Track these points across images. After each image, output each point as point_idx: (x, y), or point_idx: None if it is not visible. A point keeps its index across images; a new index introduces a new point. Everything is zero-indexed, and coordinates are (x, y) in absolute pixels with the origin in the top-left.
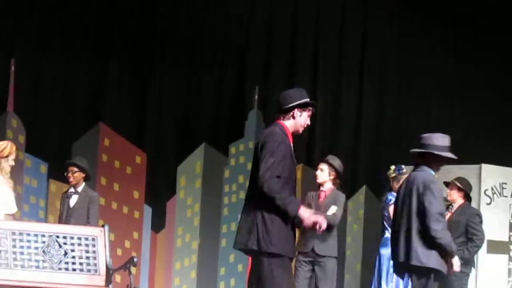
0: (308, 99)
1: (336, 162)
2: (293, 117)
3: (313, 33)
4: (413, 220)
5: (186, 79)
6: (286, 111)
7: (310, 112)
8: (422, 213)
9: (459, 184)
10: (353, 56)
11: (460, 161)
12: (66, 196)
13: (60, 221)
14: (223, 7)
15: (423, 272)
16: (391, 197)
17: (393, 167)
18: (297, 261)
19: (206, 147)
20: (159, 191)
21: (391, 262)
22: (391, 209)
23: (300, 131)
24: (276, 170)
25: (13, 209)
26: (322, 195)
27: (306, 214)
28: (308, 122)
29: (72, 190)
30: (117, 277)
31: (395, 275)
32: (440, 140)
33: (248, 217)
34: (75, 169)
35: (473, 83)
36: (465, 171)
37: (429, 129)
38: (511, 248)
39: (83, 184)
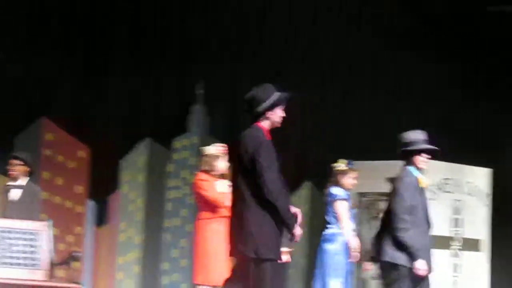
0: (276, 97)
1: None
2: (267, 118)
3: (259, 26)
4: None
5: (130, 73)
6: (259, 115)
7: (282, 106)
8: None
9: None
10: (299, 48)
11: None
12: (5, 190)
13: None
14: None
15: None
16: (337, 192)
17: (343, 161)
18: None
19: (149, 141)
20: (102, 186)
21: (337, 257)
22: (338, 204)
23: (278, 125)
24: (279, 182)
25: None
26: None
27: (298, 232)
28: (283, 114)
29: (11, 183)
30: (60, 272)
31: (342, 271)
32: (410, 136)
33: (244, 224)
34: (17, 162)
35: (438, 81)
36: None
37: (370, 125)
38: (453, 243)
39: (27, 178)
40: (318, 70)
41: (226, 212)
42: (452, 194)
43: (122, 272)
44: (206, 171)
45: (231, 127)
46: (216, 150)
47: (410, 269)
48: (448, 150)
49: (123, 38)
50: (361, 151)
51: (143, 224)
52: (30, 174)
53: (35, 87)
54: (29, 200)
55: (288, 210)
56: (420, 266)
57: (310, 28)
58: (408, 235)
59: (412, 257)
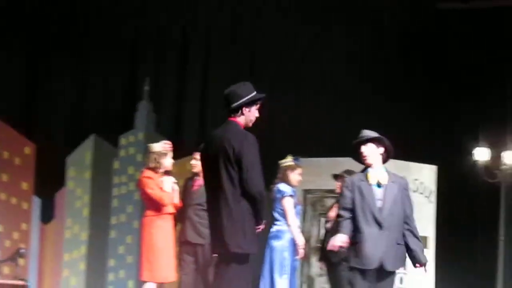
0: (254, 95)
1: None
2: (243, 114)
3: (203, 27)
4: None
5: (77, 70)
6: (235, 110)
7: (258, 106)
8: None
9: (347, 176)
10: (245, 46)
11: (346, 153)
12: None
13: None
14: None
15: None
16: (285, 188)
17: (289, 157)
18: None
19: (95, 138)
20: (48, 182)
21: (284, 253)
22: (285, 201)
23: (250, 125)
24: (262, 177)
25: None
26: (197, 183)
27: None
28: (257, 114)
29: None
30: (5, 269)
31: (288, 268)
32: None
33: (226, 219)
34: None
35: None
36: (353, 163)
37: (316, 123)
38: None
39: None
40: (265, 70)
41: (172, 209)
42: None
43: (68, 269)
44: (152, 168)
45: (177, 124)
46: (163, 147)
47: (351, 267)
48: (394, 148)
49: (68, 37)
50: (306, 149)
51: (89, 220)
52: None
53: None
54: None
55: (265, 206)
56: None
57: (258, 26)
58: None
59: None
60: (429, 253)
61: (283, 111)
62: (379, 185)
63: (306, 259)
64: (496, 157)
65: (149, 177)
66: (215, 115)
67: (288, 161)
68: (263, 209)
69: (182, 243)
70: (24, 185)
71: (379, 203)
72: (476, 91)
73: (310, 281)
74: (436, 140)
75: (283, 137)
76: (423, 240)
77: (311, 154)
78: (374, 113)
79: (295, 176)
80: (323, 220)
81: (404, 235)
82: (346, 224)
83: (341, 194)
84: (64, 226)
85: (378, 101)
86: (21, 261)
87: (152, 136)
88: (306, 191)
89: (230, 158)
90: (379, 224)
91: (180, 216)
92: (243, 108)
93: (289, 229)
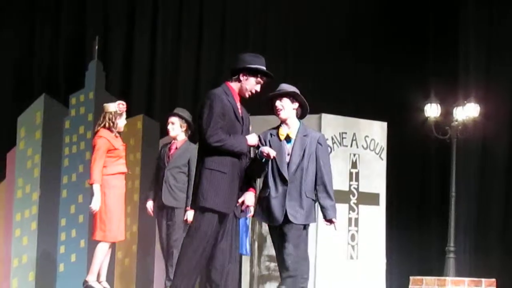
0: (258, 66)
1: (186, 113)
2: (239, 81)
3: None
4: None
5: (25, 28)
6: (233, 73)
7: (259, 79)
8: None
9: None
10: (194, 7)
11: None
12: None
13: None
14: None
15: None
16: None
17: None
18: None
19: (46, 97)
20: None
21: None
22: None
23: (246, 95)
24: (217, 123)
25: None
26: (173, 146)
27: (254, 141)
28: (257, 88)
29: None
30: None
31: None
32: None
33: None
34: None
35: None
36: (305, 120)
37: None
38: (350, 197)
39: None
40: (211, 32)
41: (125, 169)
42: (349, 148)
43: (19, 229)
44: (108, 128)
45: (127, 83)
46: (118, 107)
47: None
48: (345, 104)
49: None
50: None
51: (41, 180)
52: None
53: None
54: None
55: (225, 139)
56: None
57: None
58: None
59: None
60: (380, 210)
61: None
62: (288, 139)
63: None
64: (446, 114)
65: (104, 136)
66: (164, 74)
67: None
68: (234, 148)
69: (159, 206)
70: None
71: (287, 158)
72: (427, 47)
73: (261, 239)
74: (387, 96)
75: None
76: (374, 198)
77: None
78: (322, 70)
79: None
80: None
81: (316, 190)
82: None
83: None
84: (15, 186)
85: (327, 58)
86: None
87: (102, 95)
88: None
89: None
90: (285, 180)
91: (156, 179)
92: (241, 75)
93: None
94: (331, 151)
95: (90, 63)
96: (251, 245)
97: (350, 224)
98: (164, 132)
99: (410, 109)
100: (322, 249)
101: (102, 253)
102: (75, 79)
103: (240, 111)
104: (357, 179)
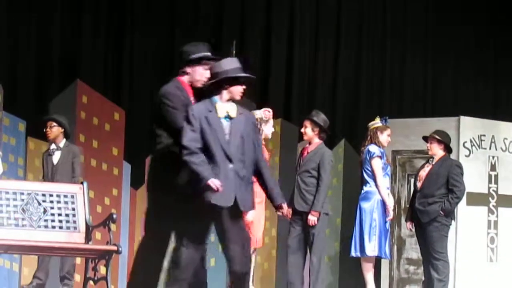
0: (202, 55)
1: (319, 116)
2: (187, 73)
3: None
4: None
5: (162, 36)
6: (180, 67)
7: (205, 66)
8: None
9: (438, 137)
10: (330, 10)
11: (438, 113)
12: (48, 154)
13: (45, 180)
14: None
15: None
16: (374, 149)
17: (377, 118)
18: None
19: None
20: (138, 148)
21: (374, 215)
22: (374, 162)
23: (198, 85)
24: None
25: (0, 169)
26: (306, 151)
27: None
28: (207, 75)
29: (53, 147)
30: (97, 234)
31: (378, 229)
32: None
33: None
34: (53, 123)
35: (452, 34)
36: (443, 123)
37: (404, 81)
38: (490, 200)
39: (64, 140)
40: (349, 34)
41: None
42: (487, 151)
43: None
44: None
45: (264, 87)
46: (264, 114)
47: None
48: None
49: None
50: (393, 109)
51: None
52: (66, 136)
53: (70, 50)
54: (69, 161)
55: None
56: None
57: None
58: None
59: None
60: None
61: (368, 69)
62: (228, 117)
63: (396, 219)
64: None
65: None
66: (301, 77)
67: (377, 122)
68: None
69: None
70: (114, 151)
71: (227, 137)
72: None
73: (400, 242)
74: None
75: (368, 97)
76: (482, 198)
77: (399, 115)
78: (460, 72)
79: (384, 137)
80: (412, 180)
81: (258, 174)
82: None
83: None
84: None
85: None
86: (112, 226)
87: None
88: (395, 152)
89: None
90: (230, 159)
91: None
92: (187, 67)
93: (378, 190)
94: (469, 154)
95: None
96: (391, 249)
97: (489, 227)
98: (302, 135)
99: None
100: (461, 252)
101: None
102: None
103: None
104: (496, 182)
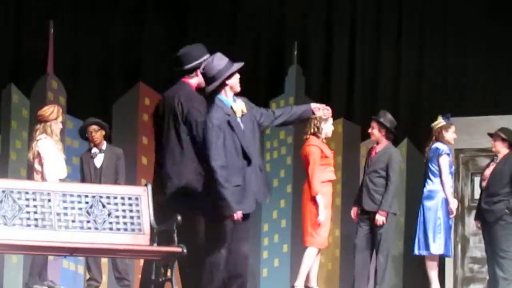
0: (207, 57)
1: (386, 117)
2: (197, 75)
3: None
4: None
5: (222, 37)
6: (189, 71)
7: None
8: None
9: (503, 135)
10: (392, 7)
11: (500, 111)
12: (90, 156)
13: (86, 182)
14: None
15: None
16: (442, 147)
17: (440, 117)
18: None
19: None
20: None
21: (438, 213)
22: (442, 159)
23: (202, 86)
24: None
25: (65, 173)
26: (373, 151)
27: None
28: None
29: (95, 150)
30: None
31: (443, 227)
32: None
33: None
34: (96, 127)
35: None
36: (506, 121)
37: (465, 80)
38: None
39: (105, 142)
40: (412, 31)
41: (334, 176)
42: None
43: None
44: (313, 134)
45: (326, 86)
46: (323, 112)
47: None
48: None
49: (217, 5)
50: (456, 107)
51: None
52: (105, 138)
53: (132, 53)
54: (113, 163)
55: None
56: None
57: None
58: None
59: None
60: None
61: (431, 68)
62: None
63: (460, 218)
64: None
65: (315, 145)
66: (363, 76)
67: (440, 122)
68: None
69: (361, 211)
70: None
71: (246, 137)
72: None
73: (464, 240)
74: None
75: (431, 96)
76: None
77: (461, 113)
78: (507, 68)
79: (450, 135)
80: (476, 179)
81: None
82: None
83: None
84: None
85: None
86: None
87: (302, 99)
88: (458, 151)
89: (178, 119)
90: (250, 158)
91: (361, 184)
92: (197, 70)
93: (442, 188)
94: None
95: (290, 68)
96: (454, 247)
97: None
98: (365, 135)
99: None
100: None
101: (310, 258)
102: (275, 84)
103: None
104: None
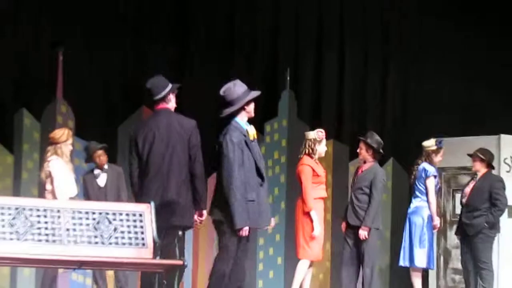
0: (173, 84)
1: (373, 138)
2: (170, 101)
3: (338, 15)
4: None
5: (222, 61)
6: (163, 99)
7: (175, 93)
8: None
9: (481, 156)
10: (377, 32)
11: (479, 132)
12: (93, 177)
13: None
14: None
15: None
16: (430, 168)
17: (433, 140)
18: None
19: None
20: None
21: (424, 228)
22: (429, 180)
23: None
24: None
25: (75, 191)
26: (360, 170)
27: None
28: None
29: (97, 171)
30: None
31: (427, 242)
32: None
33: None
34: (103, 151)
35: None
36: (484, 142)
37: (445, 103)
38: None
39: (106, 163)
40: (398, 55)
41: (325, 193)
42: None
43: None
44: (308, 154)
45: (317, 110)
46: (317, 134)
47: None
48: None
49: (216, 30)
50: (439, 128)
51: None
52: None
53: (135, 79)
54: (115, 181)
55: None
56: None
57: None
58: None
59: None
60: None
61: (417, 92)
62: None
63: (442, 232)
64: None
65: (307, 165)
66: (351, 99)
67: (432, 145)
68: (203, 191)
69: (347, 226)
70: None
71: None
72: None
73: (446, 253)
74: None
75: (416, 118)
76: None
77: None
78: (498, 89)
79: (438, 158)
80: (457, 195)
81: None
82: None
83: None
84: None
85: (494, 79)
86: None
87: (294, 122)
88: (441, 169)
89: (184, 142)
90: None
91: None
92: (169, 96)
93: (428, 206)
94: (510, 170)
95: (283, 93)
96: (437, 259)
97: None
98: (353, 155)
99: None
100: (503, 261)
101: (303, 269)
102: (270, 108)
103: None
104: None
